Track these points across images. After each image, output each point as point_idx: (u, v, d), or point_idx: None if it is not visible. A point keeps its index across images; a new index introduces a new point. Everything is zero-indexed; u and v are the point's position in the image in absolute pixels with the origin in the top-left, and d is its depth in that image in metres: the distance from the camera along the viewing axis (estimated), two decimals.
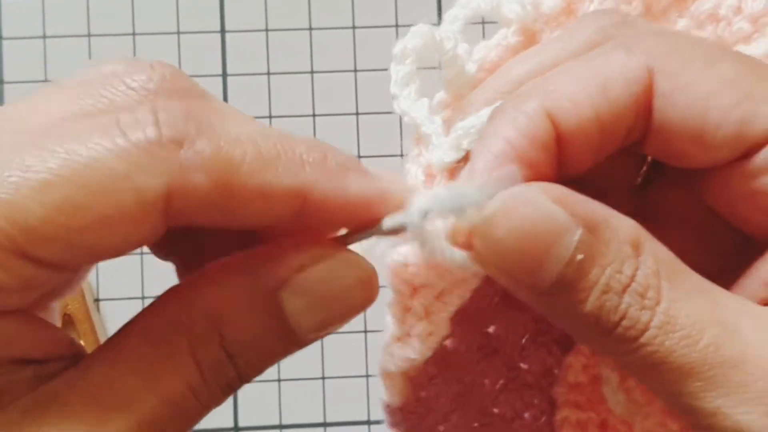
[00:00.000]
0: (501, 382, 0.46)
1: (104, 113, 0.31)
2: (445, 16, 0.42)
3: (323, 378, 0.72)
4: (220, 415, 0.71)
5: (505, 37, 0.41)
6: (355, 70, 0.73)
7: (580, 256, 0.33)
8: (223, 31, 0.74)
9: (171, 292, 0.33)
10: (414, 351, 0.40)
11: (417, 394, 0.44)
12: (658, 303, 0.33)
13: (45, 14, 0.74)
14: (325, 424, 0.72)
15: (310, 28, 0.73)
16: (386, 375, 0.42)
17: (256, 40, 0.74)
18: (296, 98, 0.74)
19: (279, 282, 0.33)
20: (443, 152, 0.37)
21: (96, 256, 0.31)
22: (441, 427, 0.46)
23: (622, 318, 0.33)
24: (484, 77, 0.42)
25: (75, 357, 0.33)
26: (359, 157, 0.73)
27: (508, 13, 0.41)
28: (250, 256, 0.34)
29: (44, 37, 0.73)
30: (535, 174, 0.34)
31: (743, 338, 0.32)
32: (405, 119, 0.39)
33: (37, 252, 0.29)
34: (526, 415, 0.47)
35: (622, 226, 0.34)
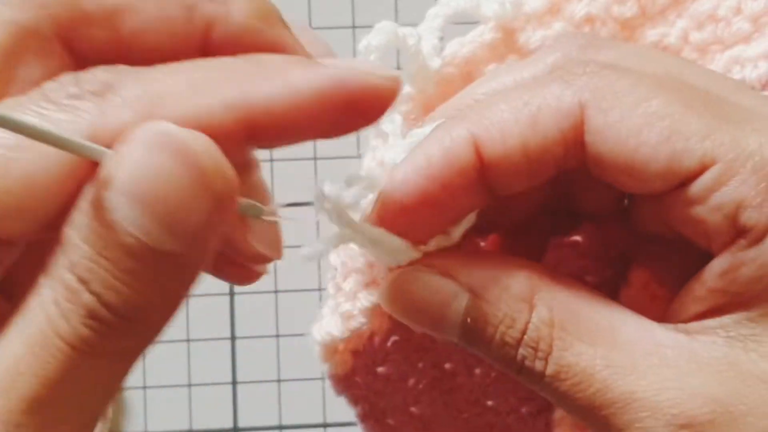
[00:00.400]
0: (493, 374, 0.47)
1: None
2: (427, 13, 0.43)
3: (323, 379, 0.72)
4: (219, 415, 0.71)
5: (480, 33, 0.42)
6: None
7: (469, 320, 0.35)
8: None
9: None
10: (335, 328, 0.41)
11: (371, 368, 0.45)
12: (550, 353, 0.34)
13: None
14: (325, 425, 0.72)
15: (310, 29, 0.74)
16: (317, 342, 0.43)
17: None
18: None
19: (100, 182, 0.27)
20: (396, 154, 0.38)
21: (20, 225, 0.28)
22: (414, 409, 0.47)
23: (521, 367, 0.35)
24: (452, 72, 0.42)
25: None
26: (359, 158, 0.73)
27: (487, 12, 0.42)
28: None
29: None
30: (449, 195, 0.34)
31: (636, 378, 0.33)
32: None
33: None
34: (524, 410, 0.47)
35: (513, 283, 0.35)
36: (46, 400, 0.27)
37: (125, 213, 0.27)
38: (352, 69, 0.31)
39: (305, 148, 0.73)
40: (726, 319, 0.34)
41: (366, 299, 0.39)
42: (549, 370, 0.34)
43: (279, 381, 0.72)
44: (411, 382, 0.46)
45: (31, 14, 0.29)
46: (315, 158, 0.74)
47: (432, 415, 0.48)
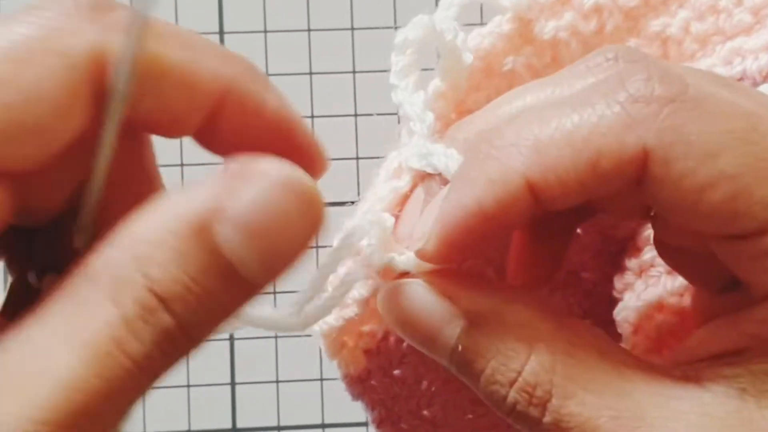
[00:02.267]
0: None
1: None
2: (441, 1, 0.42)
3: (321, 380, 0.72)
4: (217, 415, 0.71)
5: (498, 24, 0.41)
6: (354, 72, 0.73)
7: (460, 348, 0.33)
8: (221, 32, 0.74)
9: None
10: (330, 317, 0.40)
11: (387, 371, 0.45)
12: (548, 400, 0.32)
13: None
14: (323, 426, 0.71)
15: (309, 30, 0.74)
16: (324, 336, 0.42)
17: (255, 42, 0.74)
18: (295, 99, 0.73)
19: (208, 210, 0.28)
20: (412, 156, 0.37)
21: (34, 142, 0.28)
22: (425, 412, 0.47)
23: (512, 410, 0.33)
24: (478, 66, 0.42)
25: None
26: (358, 158, 0.73)
27: (504, 1, 0.41)
28: (169, 192, 0.30)
29: None
30: (500, 233, 0.33)
31: (645, 431, 0.31)
32: (399, 111, 0.39)
33: None
34: None
35: (513, 319, 0.34)
36: (95, 412, 0.27)
37: (234, 245, 0.28)
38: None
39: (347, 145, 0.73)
40: (742, 370, 0.32)
41: (360, 289, 0.39)
42: (547, 419, 0.32)
43: (277, 382, 0.72)
44: (425, 384, 0.46)
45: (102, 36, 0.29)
46: (357, 158, 0.74)
47: (442, 417, 0.47)
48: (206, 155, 0.74)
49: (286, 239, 0.29)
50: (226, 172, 0.29)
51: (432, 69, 0.42)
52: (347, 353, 0.44)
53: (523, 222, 0.33)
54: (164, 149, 0.74)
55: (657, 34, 0.43)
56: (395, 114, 0.43)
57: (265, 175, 0.29)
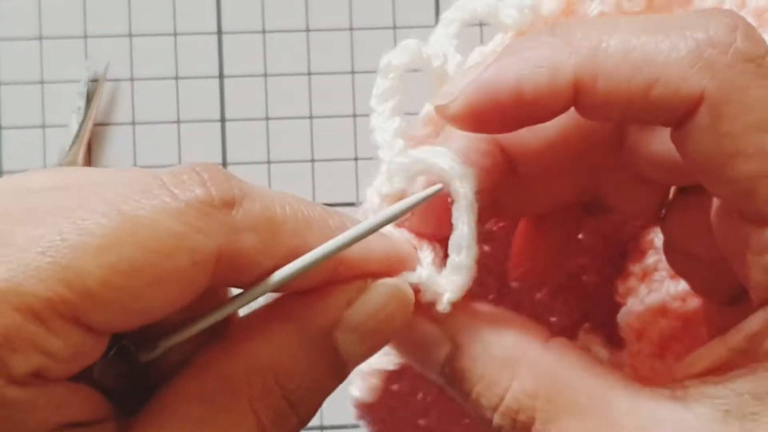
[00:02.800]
0: None
1: (145, 176, 0.31)
2: (441, 18, 0.42)
3: None
4: None
5: (501, 43, 0.41)
6: (353, 72, 0.73)
7: (446, 369, 0.35)
8: (219, 32, 0.74)
9: (214, 349, 0.32)
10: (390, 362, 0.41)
11: (388, 387, 0.45)
12: (532, 425, 0.33)
13: (41, 15, 0.73)
14: (321, 427, 0.71)
15: (307, 30, 0.73)
16: (370, 374, 0.42)
17: (253, 42, 0.74)
18: (293, 100, 0.74)
19: (331, 322, 0.33)
20: (380, 183, 0.37)
21: (146, 318, 0.30)
22: (422, 421, 0.47)
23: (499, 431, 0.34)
24: None
25: (115, 418, 0.31)
26: (356, 159, 0.73)
27: (506, 19, 0.40)
28: (291, 302, 0.33)
29: (40, 38, 0.73)
30: (534, 114, 0.33)
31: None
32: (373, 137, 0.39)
33: (92, 317, 0.28)
34: None
35: (496, 344, 0.34)
36: None
37: (350, 347, 0.33)
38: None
39: (345, 145, 0.73)
40: (728, 391, 0.31)
41: None
42: None
43: None
44: (420, 396, 0.46)
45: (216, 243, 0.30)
46: (356, 159, 0.73)
47: (437, 424, 0.47)
48: (203, 156, 0.74)
49: (388, 335, 0.34)
50: (343, 287, 0.33)
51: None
52: (370, 383, 0.44)
53: (549, 119, 0.33)
54: (164, 149, 0.74)
55: None
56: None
57: (380, 287, 0.33)
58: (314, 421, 0.71)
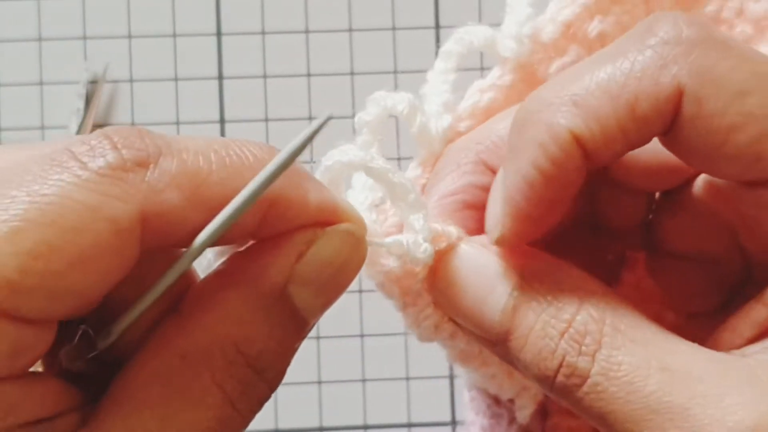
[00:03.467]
0: None
1: (56, 150, 0.29)
2: (440, 51, 0.42)
3: (319, 383, 0.71)
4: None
5: (500, 77, 0.40)
6: (352, 74, 0.73)
7: (511, 303, 0.34)
8: (219, 33, 0.74)
9: (169, 326, 0.31)
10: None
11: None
12: (597, 350, 0.32)
13: (41, 16, 0.73)
14: (321, 429, 0.71)
15: (307, 31, 0.73)
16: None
17: (252, 43, 0.74)
18: (292, 101, 0.73)
19: (283, 279, 0.32)
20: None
21: (80, 299, 0.29)
22: None
23: (560, 365, 0.33)
24: (470, 125, 0.41)
25: (80, 407, 0.31)
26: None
27: (504, 51, 0.40)
28: (240, 263, 0.32)
29: (39, 39, 0.73)
30: (565, 191, 0.34)
31: (693, 385, 0.31)
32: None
33: (21, 308, 0.27)
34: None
35: (564, 277, 0.34)
36: None
37: (307, 300, 0.32)
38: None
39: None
40: None
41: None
42: (595, 368, 0.32)
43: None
44: None
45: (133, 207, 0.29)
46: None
47: None
48: None
49: (345, 281, 0.33)
50: (291, 239, 0.32)
51: (469, 70, 0.41)
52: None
53: (580, 180, 0.34)
54: None
55: None
56: (393, 116, 0.43)
57: (330, 234, 0.33)
58: (314, 422, 0.71)
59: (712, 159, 0.32)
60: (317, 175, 0.37)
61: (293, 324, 0.32)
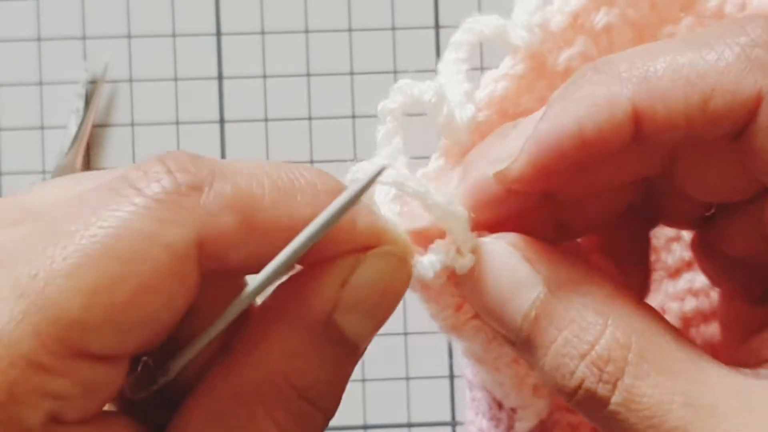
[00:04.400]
0: None
1: (112, 179, 0.29)
2: (450, 42, 0.41)
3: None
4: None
5: (512, 66, 0.40)
6: (352, 73, 0.73)
7: (533, 312, 0.33)
8: (218, 33, 0.74)
9: (221, 364, 0.31)
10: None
11: None
12: (620, 378, 0.31)
13: (39, 16, 0.73)
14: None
15: (306, 31, 0.73)
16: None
17: (252, 43, 0.73)
18: (292, 101, 0.73)
19: (329, 307, 0.31)
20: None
21: (147, 330, 0.29)
22: None
23: (579, 387, 0.32)
24: (489, 114, 0.40)
25: None
26: (356, 160, 0.73)
27: (515, 40, 0.40)
28: (285, 295, 0.32)
29: (39, 39, 0.73)
30: (597, 164, 0.32)
31: (717, 420, 0.30)
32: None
33: (90, 344, 0.27)
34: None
35: (592, 293, 0.33)
36: None
37: (355, 326, 0.32)
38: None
39: (345, 146, 0.73)
40: None
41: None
42: (616, 398, 0.31)
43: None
44: None
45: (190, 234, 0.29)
46: (355, 159, 0.74)
47: None
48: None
49: (392, 302, 0.33)
50: (333, 266, 0.32)
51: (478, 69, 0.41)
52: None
53: (617, 159, 0.32)
54: (160, 150, 0.74)
55: None
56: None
57: (372, 259, 0.32)
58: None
59: None
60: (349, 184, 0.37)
61: (343, 351, 0.32)
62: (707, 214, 0.38)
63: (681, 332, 0.34)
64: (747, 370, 0.32)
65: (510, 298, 0.33)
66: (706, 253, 0.39)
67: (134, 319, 0.28)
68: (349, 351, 0.32)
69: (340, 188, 0.33)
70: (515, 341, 0.34)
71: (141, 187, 0.29)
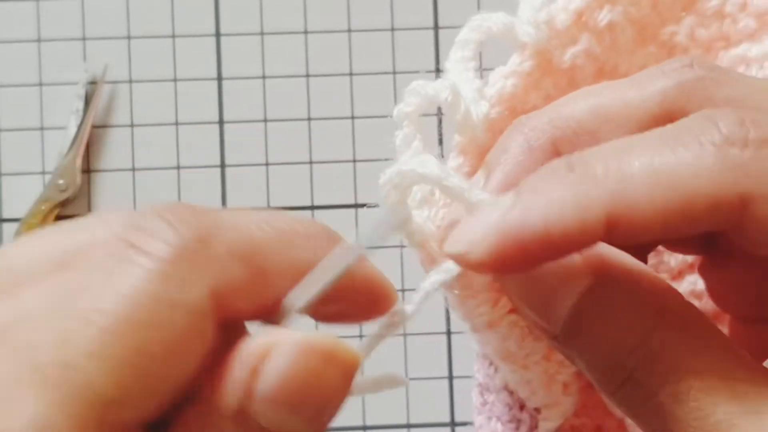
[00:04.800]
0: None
1: (111, 243, 0.29)
2: (456, 40, 0.41)
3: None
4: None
5: (520, 63, 0.40)
6: (351, 74, 0.73)
7: (578, 307, 0.32)
8: (218, 34, 0.74)
9: None
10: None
11: None
12: (670, 372, 0.31)
13: (39, 17, 0.73)
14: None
15: (306, 32, 0.73)
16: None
17: (252, 44, 0.74)
18: (292, 102, 0.73)
19: (239, 398, 0.29)
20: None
21: (172, 389, 0.28)
22: None
23: (627, 379, 0.32)
24: (500, 111, 0.40)
25: None
26: (355, 161, 0.73)
27: (523, 36, 0.40)
28: (203, 383, 0.30)
29: (38, 40, 0.73)
30: (556, 257, 0.32)
31: (761, 420, 0.30)
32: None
33: (123, 417, 0.27)
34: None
35: (645, 287, 0.32)
36: None
37: (278, 419, 0.29)
38: None
39: (344, 147, 0.73)
40: None
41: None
42: (667, 390, 0.31)
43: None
44: None
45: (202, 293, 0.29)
46: (355, 161, 0.73)
47: None
48: (201, 158, 0.74)
49: (325, 392, 0.30)
50: (243, 355, 0.29)
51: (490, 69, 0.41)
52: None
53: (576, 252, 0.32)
54: (163, 151, 0.74)
55: (664, 43, 0.42)
56: (392, 117, 0.43)
57: (283, 345, 0.29)
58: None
59: None
60: (382, 183, 0.36)
61: None
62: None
63: (726, 336, 0.33)
64: None
65: (556, 290, 0.33)
66: (717, 273, 0.38)
67: (162, 385, 0.28)
68: None
69: (334, 234, 0.32)
70: (559, 334, 0.33)
71: (148, 250, 0.28)
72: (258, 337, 0.30)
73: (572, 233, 0.30)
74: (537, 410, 0.43)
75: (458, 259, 0.33)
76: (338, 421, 0.70)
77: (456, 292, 0.39)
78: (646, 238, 0.31)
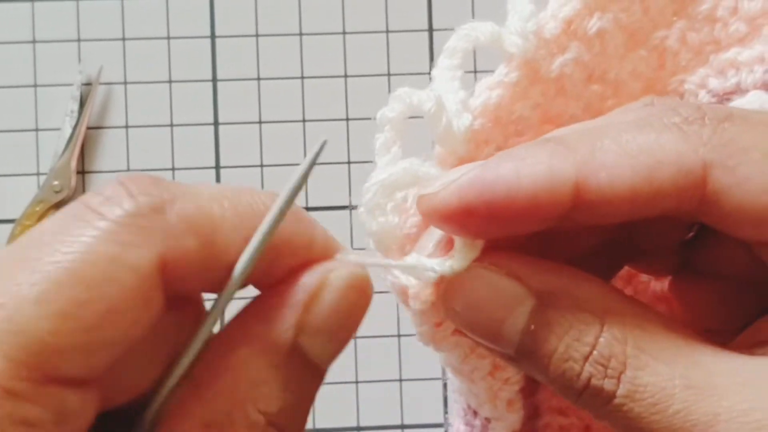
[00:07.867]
0: None
1: (73, 206, 0.30)
2: (444, 48, 0.41)
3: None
4: None
5: (506, 74, 0.40)
6: (346, 76, 0.73)
7: (532, 326, 0.33)
8: (213, 36, 0.74)
9: (188, 394, 0.31)
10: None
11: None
12: (623, 372, 0.32)
13: (35, 19, 0.73)
14: (315, 431, 0.71)
15: (300, 34, 0.73)
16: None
17: (246, 46, 0.74)
18: (287, 103, 0.74)
19: (293, 332, 0.32)
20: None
21: (113, 351, 0.29)
22: None
23: (586, 386, 0.33)
24: (484, 123, 0.40)
25: None
26: (349, 162, 0.73)
27: (510, 47, 0.40)
28: (248, 319, 0.32)
29: (34, 42, 0.73)
30: (524, 219, 0.33)
31: (717, 398, 0.31)
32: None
33: (61, 368, 0.27)
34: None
35: (584, 295, 0.34)
36: None
37: (318, 348, 0.32)
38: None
39: (338, 149, 0.73)
40: None
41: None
42: (622, 390, 0.32)
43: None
44: None
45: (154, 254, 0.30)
46: (349, 162, 0.74)
47: None
48: (196, 159, 0.74)
49: (354, 326, 0.33)
50: (296, 292, 0.32)
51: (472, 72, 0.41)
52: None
53: (540, 226, 0.33)
54: (157, 153, 0.74)
55: (655, 47, 0.42)
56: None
57: (334, 281, 0.32)
58: (308, 424, 0.71)
59: (753, 223, 0.32)
60: (369, 185, 0.37)
61: (308, 374, 0.32)
62: (689, 235, 0.38)
63: (671, 318, 0.34)
64: (742, 349, 0.33)
65: (505, 317, 0.34)
66: (690, 278, 0.39)
67: (102, 342, 0.28)
68: (314, 374, 0.33)
69: (301, 213, 0.33)
70: (513, 356, 0.34)
71: (104, 212, 0.29)
72: (309, 274, 0.32)
73: (541, 191, 0.31)
74: (487, 419, 0.44)
75: (424, 200, 0.34)
76: (333, 422, 0.71)
77: (404, 297, 0.39)
78: (614, 215, 0.32)
